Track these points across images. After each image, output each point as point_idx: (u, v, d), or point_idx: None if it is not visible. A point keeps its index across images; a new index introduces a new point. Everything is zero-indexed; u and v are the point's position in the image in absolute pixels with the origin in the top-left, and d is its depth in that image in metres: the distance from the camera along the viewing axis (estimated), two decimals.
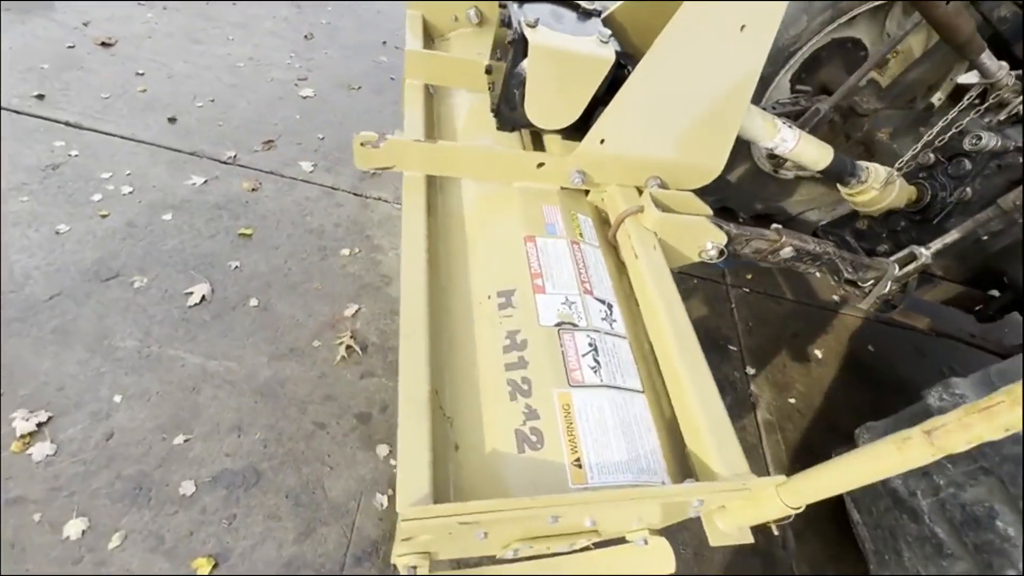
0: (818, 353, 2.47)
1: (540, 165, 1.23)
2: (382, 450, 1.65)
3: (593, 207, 1.35)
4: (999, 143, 1.44)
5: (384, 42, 3.38)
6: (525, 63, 1.08)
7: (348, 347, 1.84)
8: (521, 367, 0.96)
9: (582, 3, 1.22)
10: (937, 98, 2.05)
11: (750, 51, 1.10)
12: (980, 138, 1.44)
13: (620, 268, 1.25)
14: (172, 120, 2.41)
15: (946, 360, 2.60)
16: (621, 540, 0.92)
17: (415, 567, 0.80)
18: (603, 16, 1.25)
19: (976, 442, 0.62)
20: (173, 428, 1.53)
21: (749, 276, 2.66)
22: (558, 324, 1.01)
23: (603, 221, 1.33)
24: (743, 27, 1.06)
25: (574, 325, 1.02)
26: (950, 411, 1.15)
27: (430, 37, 1.72)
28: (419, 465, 0.78)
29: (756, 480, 0.85)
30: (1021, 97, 1.46)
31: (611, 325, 1.07)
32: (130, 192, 2.07)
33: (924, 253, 1.51)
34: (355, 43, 3.28)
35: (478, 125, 1.44)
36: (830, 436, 2.09)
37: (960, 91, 1.68)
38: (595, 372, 0.97)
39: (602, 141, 1.18)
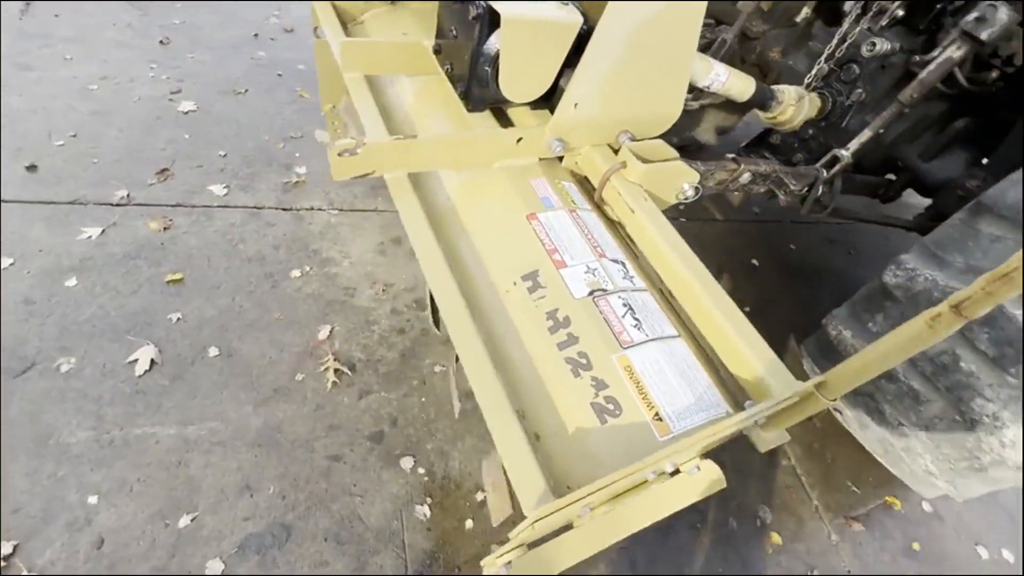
0: (755, 262, 2.74)
1: (519, 140, 1.20)
2: (406, 463, 1.60)
3: (568, 172, 1.36)
4: (889, 47, 1.65)
5: (256, 35, 3.03)
6: (494, 38, 1.03)
7: (336, 371, 1.73)
8: (572, 343, 0.97)
9: None
10: (804, 14, 2.26)
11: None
12: (875, 44, 1.63)
13: (612, 226, 1.28)
14: (32, 168, 2.01)
15: (851, 244, 3.01)
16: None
17: (510, 562, 0.81)
18: None
19: (996, 304, 0.74)
20: (173, 511, 1.37)
21: (681, 207, 2.84)
22: (591, 293, 1.03)
23: (581, 184, 1.34)
24: None
25: (604, 290, 1.05)
26: (906, 284, 1.33)
27: (343, 23, 1.57)
28: (528, 466, 0.78)
29: (802, 386, 0.95)
30: (897, 2, 1.66)
31: (632, 282, 1.11)
32: (11, 264, 1.72)
33: (845, 154, 1.71)
34: (222, 41, 2.91)
35: (430, 111, 1.37)
36: (790, 331, 2.36)
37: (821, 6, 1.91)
38: (639, 329, 1.01)
39: (576, 105, 1.18)
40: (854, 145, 1.71)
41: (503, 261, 1.09)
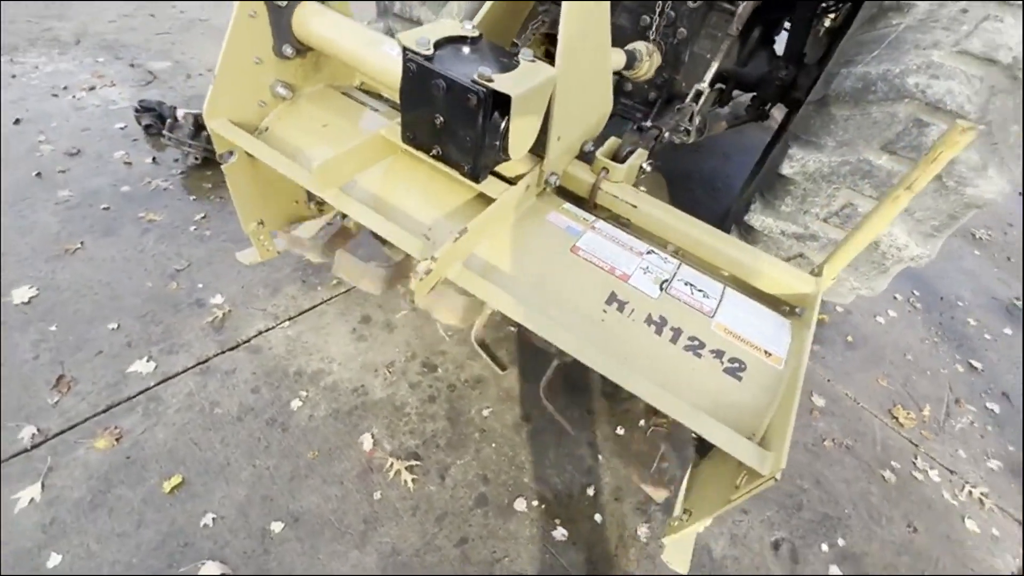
0: (641, 188, 3.18)
1: (527, 188, 1.30)
2: (520, 505, 1.68)
3: (552, 195, 1.49)
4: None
5: (38, 174, 2.42)
6: (497, 115, 1.09)
7: (406, 468, 1.69)
8: (679, 334, 1.16)
9: (462, 28, 1.21)
10: None
11: (604, 20, 1.30)
12: (696, 2, 1.99)
13: (617, 222, 1.47)
14: None
15: (725, 149, 3.62)
16: None
17: None
18: (475, 25, 1.26)
19: (932, 177, 1.10)
20: None
21: None
22: (661, 288, 1.22)
23: (569, 199, 1.49)
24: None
25: (667, 280, 1.24)
26: (801, 170, 1.75)
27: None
28: (734, 439, 0.97)
29: (817, 280, 1.27)
30: None
31: (670, 263, 1.32)
32: None
33: (704, 86, 2.09)
34: (7, 199, 2.28)
35: (422, 195, 1.36)
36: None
37: None
38: (706, 296, 1.23)
39: (559, 138, 1.30)
40: (707, 77, 2.09)
41: (582, 296, 1.21)
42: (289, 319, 2.06)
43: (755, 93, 2.55)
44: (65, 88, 2.98)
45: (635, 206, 1.40)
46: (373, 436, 1.77)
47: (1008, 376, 2.55)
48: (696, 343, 1.15)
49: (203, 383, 1.81)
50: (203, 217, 2.37)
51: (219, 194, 2.50)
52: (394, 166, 1.38)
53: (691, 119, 2.13)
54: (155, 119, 2.72)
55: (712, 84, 2.41)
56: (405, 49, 1.10)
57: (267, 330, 2.00)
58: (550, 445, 1.85)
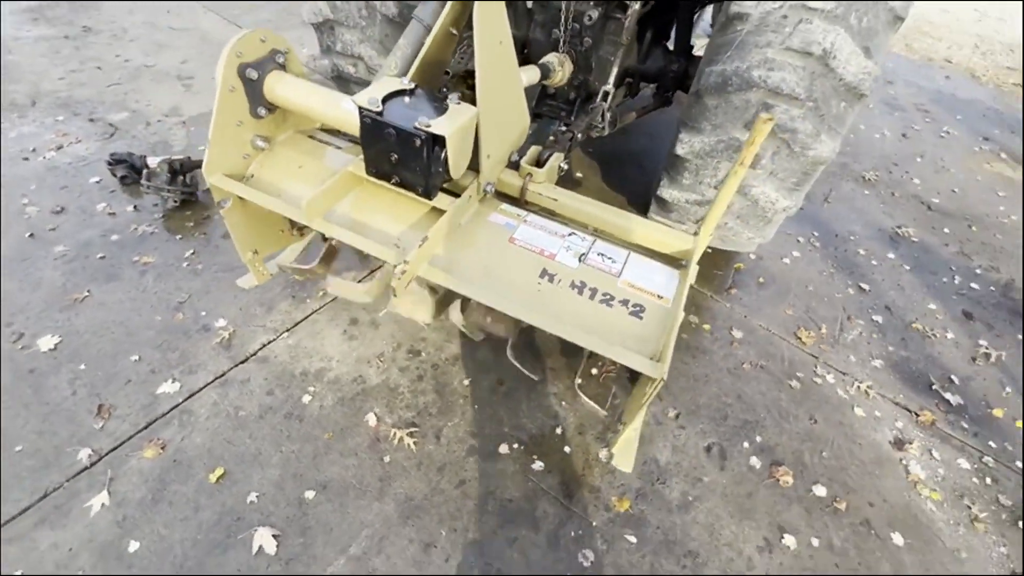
0: (579, 174, 3.59)
1: (470, 197, 1.68)
2: (503, 449, 2.09)
3: (491, 199, 1.87)
4: (597, 12, 2.42)
5: (31, 235, 2.66)
6: (438, 149, 1.46)
7: (408, 434, 2.07)
8: (595, 292, 1.57)
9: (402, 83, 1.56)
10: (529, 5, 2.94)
11: (511, 58, 1.68)
12: (592, 16, 2.39)
13: (546, 212, 1.86)
14: None
15: (651, 130, 4.03)
16: None
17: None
18: (410, 78, 1.61)
19: (755, 154, 1.53)
20: None
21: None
22: (579, 259, 1.63)
23: (505, 200, 1.87)
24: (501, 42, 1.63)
25: (583, 254, 1.65)
26: (689, 150, 2.20)
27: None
28: (635, 358, 1.38)
29: (695, 238, 1.70)
30: None
31: (585, 239, 1.72)
32: None
33: (610, 87, 2.50)
34: (8, 266, 2.51)
35: (390, 215, 1.72)
36: (631, 199, 3.28)
37: None
38: (614, 262, 1.65)
39: (488, 156, 1.68)
40: (611, 80, 2.50)
41: (521, 274, 1.60)
42: (287, 330, 2.39)
43: (656, 84, 2.98)
44: (34, 150, 3.17)
45: (555, 199, 1.80)
46: (376, 414, 2.14)
47: (891, 293, 3.09)
48: (608, 297, 1.56)
49: (224, 393, 2.13)
50: (192, 253, 2.66)
51: (201, 231, 2.79)
52: (361, 193, 1.74)
53: (603, 116, 2.54)
54: (129, 170, 2.96)
55: (620, 82, 2.83)
56: (360, 108, 1.45)
57: (270, 342, 2.33)
58: (522, 400, 2.26)
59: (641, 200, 3.29)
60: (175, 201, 2.83)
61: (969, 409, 2.52)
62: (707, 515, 2.00)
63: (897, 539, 2.02)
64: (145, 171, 2.78)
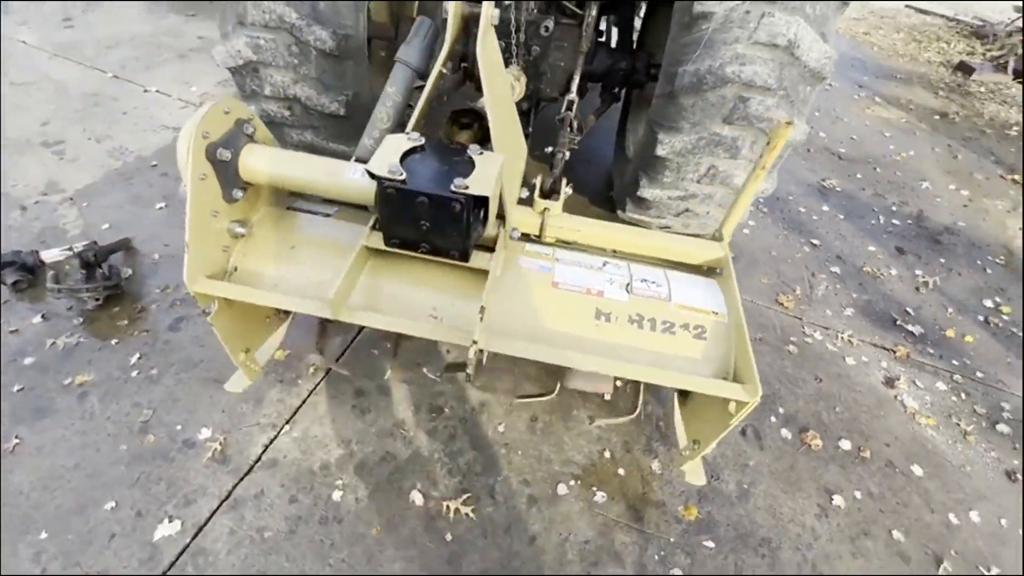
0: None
1: (503, 248, 1.55)
2: (562, 490, 2.01)
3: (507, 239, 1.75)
4: (551, 21, 2.34)
5: None
6: (484, 208, 1.32)
7: (462, 503, 1.91)
8: (651, 322, 1.52)
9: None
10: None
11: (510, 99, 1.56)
12: (548, 27, 2.30)
13: (569, 245, 1.78)
14: None
15: None
16: None
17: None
18: (419, 134, 1.44)
19: (776, 157, 1.55)
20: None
21: None
22: (627, 290, 1.57)
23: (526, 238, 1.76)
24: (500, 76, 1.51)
25: (628, 283, 1.60)
26: (671, 149, 2.21)
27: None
28: (718, 385, 1.37)
29: (721, 244, 1.72)
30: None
31: (620, 267, 1.67)
32: None
33: (573, 96, 2.44)
34: None
35: (415, 282, 1.54)
36: (603, 209, 3.27)
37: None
38: (658, 286, 1.61)
39: (511, 200, 1.56)
40: (574, 87, 2.45)
41: (578, 321, 1.51)
42: (287, 421, 2.10)
43: (603, 83, 2.98)
44: None
45: (579, 230, 1.73)
46: (420, 491, 1.95)
47: (836, 243, 3.41)
48: (668, 325, 1.53)
49: (239, 516, 1.83)
50: (140, 358, 2.24)
51: (140, 328, 2.35)
52: (376, 266, 1.54)
53: (571, 126, 2.49)
54: (21, 272, 2.41)
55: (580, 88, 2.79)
56: (381, 179, 1.27)
57: (272, 441, 2.04)
58: (562, 432, 2.19)
59: (601, 198, 3.30)
60: (96, 299, 2.36)
61: (929, 336, 2.86)
62: (765, 498, 2.08)
63: (917, 471, 2.24)
64: (51, 273, 2.28)
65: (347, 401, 2.20)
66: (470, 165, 1.36)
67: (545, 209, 1.71)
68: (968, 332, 2.91)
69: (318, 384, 2.24)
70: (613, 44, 3.04)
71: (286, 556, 1.76)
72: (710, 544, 1.93)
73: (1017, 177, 4.26)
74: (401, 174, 1.27)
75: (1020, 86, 5.71)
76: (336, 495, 1.92)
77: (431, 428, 2.15)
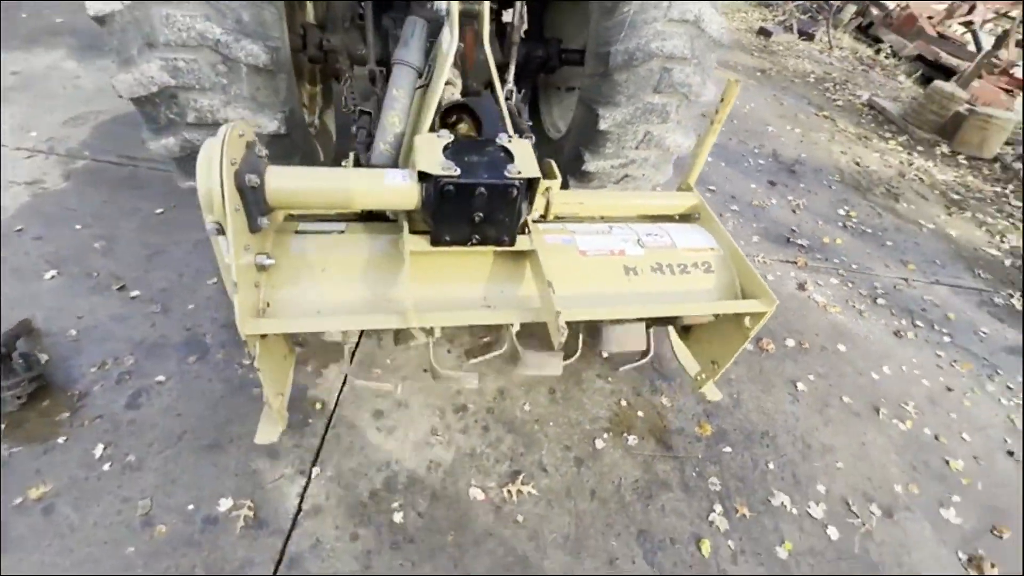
0: None
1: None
2: (599, 443, 2.17)
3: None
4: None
5: None
6: (534, 190, 1.40)
7: (520, 484, 1.98)
8: (668, 268, 1.74)
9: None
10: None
11: None
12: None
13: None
14: None
15: None
16: None
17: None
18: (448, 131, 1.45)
19: (727, 113, 1.85)
20: None
21: None
22: (639, 244, 1.77)
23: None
24: None
25: (639, 239, 1.80)
26: (612, 123, 2.48)
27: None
28: (733, 304, 1.63)
29: (692, 193, 2.00)
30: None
31: (625, 228, 1.87)
32: None
33: (511, 85, 2.57)
34: None
35: (457, 277, 1.56)
36: None
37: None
38: (660, 236, 1.84)
39: None
40: (510, 77, 2.57)
41: (614, 280, 1.67)
42: (313, 464, 1.95)
43: (522, 72, 3.15)
44: None
45: (581, 203, 1.88)
46: (476, 486, 1.97)
47: (727, 185, 4.02)
48: (682, 266, 1.76)
49: (303, 572, 1.69)
50: (105, 448, 1.89)
51: (88, 417, 1.98)
52: (417, 268, 1.53)
53: (520, 114, 2.62)
54: None
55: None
56: (437, 177, 1.28)
57: (306, 488, 1.89)
58: (579, 395, 2.35)
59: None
60: (18, 398, 1.93)
61: (813, 245, 3.55)
62: (752, 401, 2.47)
63: (842, 348, 2.82)
64: None
65: (369, 425, 2.11)
66: (506, 152, 1.43)
67: (548, 188, 1.83)
68: (837, 236, 3.67)
69: (331, 419, 2.10)
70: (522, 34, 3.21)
71: None
72: (728, 449, 2.25)
73: (827, 113, 5.39)
74: (456, 170, 1.30)
75: (806, 43, 7.15)
76: (397, 517, 1.85)
77: (463, 426, 2.16)
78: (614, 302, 1.60)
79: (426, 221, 1.41)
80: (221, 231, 1.21)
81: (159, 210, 2.83)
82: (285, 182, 1.32)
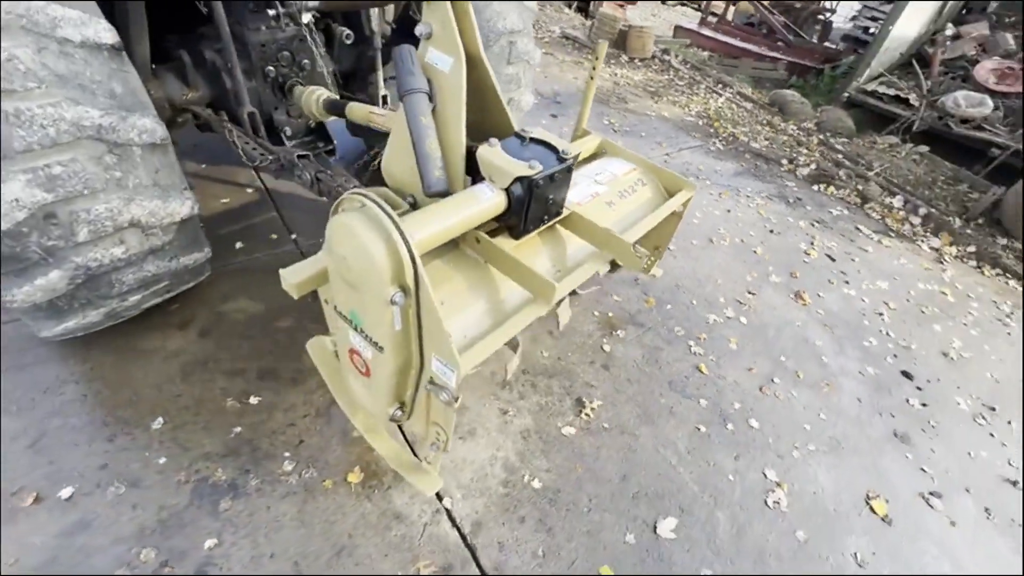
0: None
1: None
2: (607, 347, 2.73)
3: None
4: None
5: None
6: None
7: (591, 406, 2.41)
8: (625, 195, 2.30)
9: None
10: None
11: None
12: (351, 35, 2.27)
13: None
14: None
15: None
16: None
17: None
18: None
19: (601, 65, 2.40)
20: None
21: None
22: (598, 182, 2.27)
23: None
24: None
25: (593, 179, 2.29)
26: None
27: None
28: None
29: (591, 137, 2.57)
30: None
31: (578, 173, 2.32)
32: None
33: (383, 88, 2.59)
34: None
35: (522, 262, 1.78)
36: None
37: None
38: (600, 173, 2.36)
39: None
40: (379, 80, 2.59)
41: (605, 215, 2.13)
42: (440, 499, 1.98)
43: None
44: None
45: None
46: (562, 425, 2.32)
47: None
48: (632, 188, 2.33)
49: (513, 571, 1.83)
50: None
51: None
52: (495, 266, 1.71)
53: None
54: None
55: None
56: (529, 179, 1.51)
57: (452, 518, 1.93)
58: (573, 326, 2.82)
59: None
60: None
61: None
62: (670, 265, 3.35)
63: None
64: None
65: (453, 442, 2.18)
66: (535, 139, 1.69)
67: None
68: (615, 141, 4.81)
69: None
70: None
71: (575, 547, 1.94)
72: (669, 307, 3.08)
73: (547, 50, 6.53)
74: (539, 166, 1.53)
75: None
76: (536, 484, 2.09)
77: (519, 394, 2.42)
78: (624, 227, 2.08)
79: (508, 220, 1.60)
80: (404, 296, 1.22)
81: None
82: (424, 231, 1.34)
